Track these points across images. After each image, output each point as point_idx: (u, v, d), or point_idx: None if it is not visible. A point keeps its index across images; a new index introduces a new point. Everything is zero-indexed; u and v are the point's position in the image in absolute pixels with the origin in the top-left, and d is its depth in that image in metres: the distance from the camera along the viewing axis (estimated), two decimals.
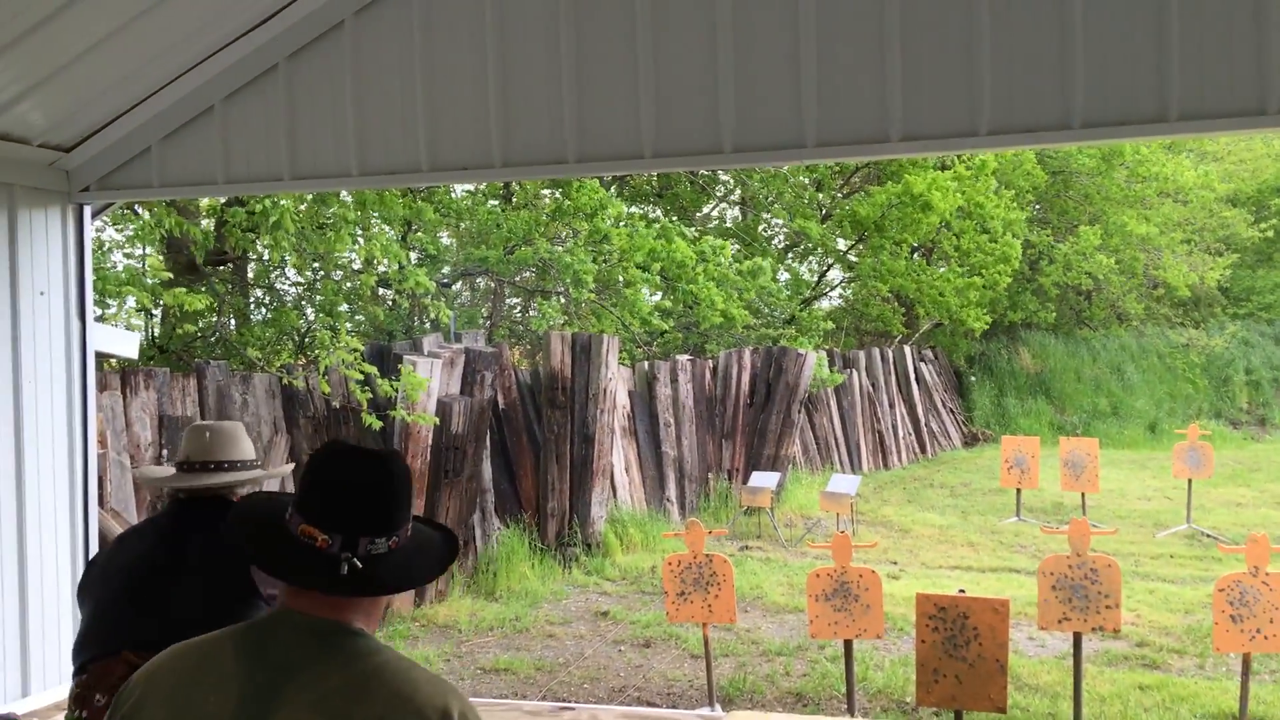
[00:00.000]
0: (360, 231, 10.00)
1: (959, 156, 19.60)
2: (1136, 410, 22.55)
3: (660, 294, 15.22)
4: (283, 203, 8.48)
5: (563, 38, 4.68)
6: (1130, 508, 14.31)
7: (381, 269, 10.09)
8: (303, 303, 11.56)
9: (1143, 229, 23.00)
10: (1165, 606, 9.31)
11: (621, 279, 13.83)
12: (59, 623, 5.24)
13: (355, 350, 8.73)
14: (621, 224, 13.62)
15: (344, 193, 9.42)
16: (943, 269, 20.96)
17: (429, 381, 9.15)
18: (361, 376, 8.65)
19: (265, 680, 1.80)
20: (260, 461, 3.43)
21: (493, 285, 15.86)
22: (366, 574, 1.88)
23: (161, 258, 9.85)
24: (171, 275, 9.69)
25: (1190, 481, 12.95)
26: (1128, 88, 4.12)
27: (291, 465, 3.70)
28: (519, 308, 16.84)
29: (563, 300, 13.74)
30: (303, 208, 9.23)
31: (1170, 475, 14.09)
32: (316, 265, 10.12)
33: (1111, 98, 4.14)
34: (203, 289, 10.08)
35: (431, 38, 4.87)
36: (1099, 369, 23.65)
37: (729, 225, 21.27)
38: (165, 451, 7.76)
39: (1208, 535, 12.27)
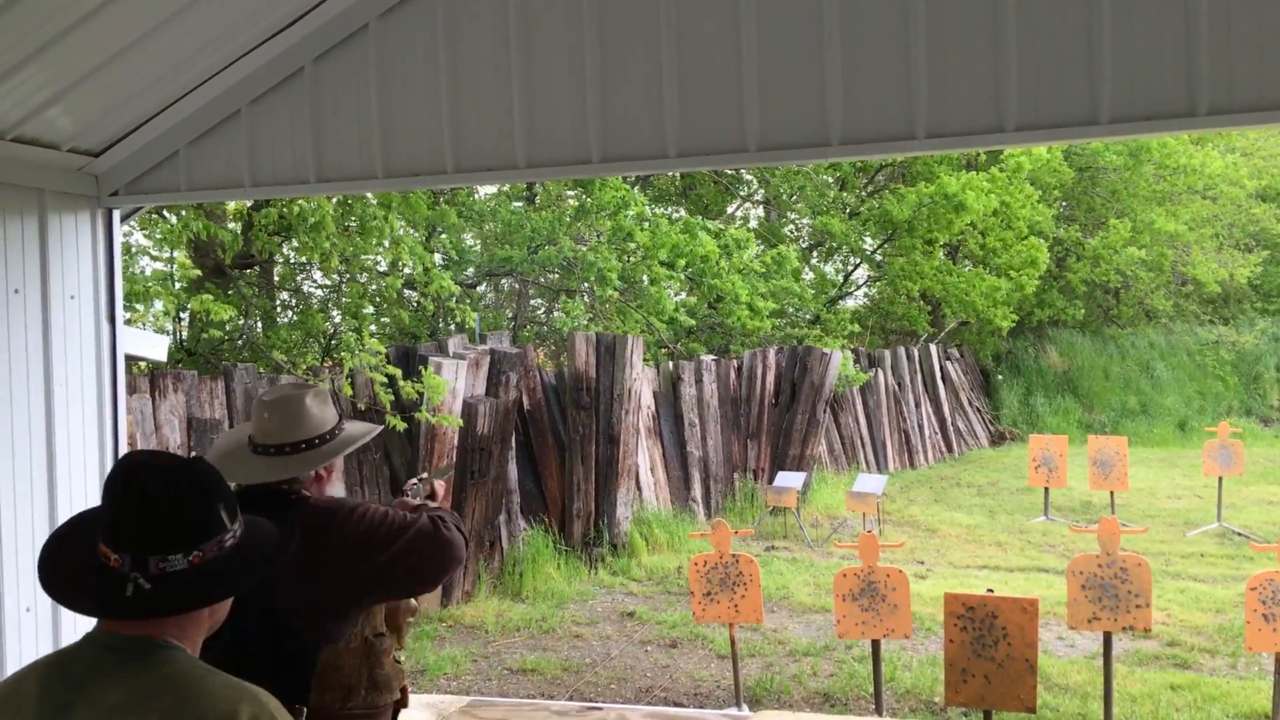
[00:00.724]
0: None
1: (986, 155, 19.47)
2: (1166, 408, 22.36)
3: (685, 292, 15.20)
4: (314, 204, 8.53)
5: (586, 38, 4.68)
6: (1160, 506, 14.19)
7: (406, 271, 10.13)
8: (329, 305, 11.62)
9: (1171, 226, 22.78)
10: (1196, 606, 9.22)
11: (646, 277, 13.84)
12: (91, 625, 5.28)
13: (379, 353, 8.76)
14: (645, 224, 13.63)
15: (369, 195, 9.46)
16: (968, 268, 20.84)
17: (450, 384, 9.17)
18: (385, 379, 8.69)
19: (59, 700, 1.78)
20: (333, 430, 2.89)
21: (517, 286, 15.90)
22: (154, 593, 1.78)
23: (190, 259, 9.93)
24: (200, 273, 9.77)
25: (1221, 480, 12.83)
26: (1156, 82, 4.08)
27: (380, 427, 3.14)
28: (543, 309, 16.87)
29: (587, 299, 13.76)
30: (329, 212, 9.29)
31: (1200, 473, 13.96)
32: (342, 268, 10.18)
33: (1139, 92, 4.10)
34: (230, 292, 10.15)
35: (455, 40, 4.88)
36: (1127, 367, 23.46)
37: (753, 225, 21.24)
38: (194, 453, 7.83)
39: (1239, 534, 12.15)
